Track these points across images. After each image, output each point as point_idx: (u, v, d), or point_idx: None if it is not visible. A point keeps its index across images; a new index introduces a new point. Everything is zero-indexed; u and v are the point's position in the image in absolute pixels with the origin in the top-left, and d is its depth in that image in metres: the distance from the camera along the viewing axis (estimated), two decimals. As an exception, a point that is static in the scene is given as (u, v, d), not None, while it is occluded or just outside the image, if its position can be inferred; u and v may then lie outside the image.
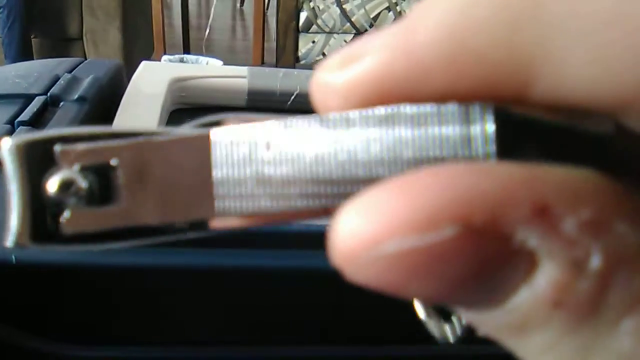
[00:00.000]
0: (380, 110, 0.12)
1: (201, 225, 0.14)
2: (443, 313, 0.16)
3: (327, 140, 0.12)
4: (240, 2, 4.08)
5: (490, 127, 0.12)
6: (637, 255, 0.10)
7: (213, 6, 3.32)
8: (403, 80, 0.12)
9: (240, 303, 0.47)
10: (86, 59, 0.70)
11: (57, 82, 0.60)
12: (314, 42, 2.53)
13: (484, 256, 0.10)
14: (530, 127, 0.12)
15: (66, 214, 0.13)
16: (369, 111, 0.12)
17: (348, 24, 2.49)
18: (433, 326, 0.16)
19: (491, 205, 0.10)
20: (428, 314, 0.16)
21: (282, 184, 0.13)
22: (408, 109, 0.12)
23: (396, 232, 0.10)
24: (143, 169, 0.13)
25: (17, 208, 0.13)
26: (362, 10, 2.47)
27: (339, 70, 0.13)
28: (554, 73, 0.11)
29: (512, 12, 0.11)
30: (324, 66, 0.13)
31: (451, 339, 0.16)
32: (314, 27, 2.51)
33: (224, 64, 1.02)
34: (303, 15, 2.50)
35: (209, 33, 3.20)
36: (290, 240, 0.44)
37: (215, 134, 0.13)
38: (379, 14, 2.49)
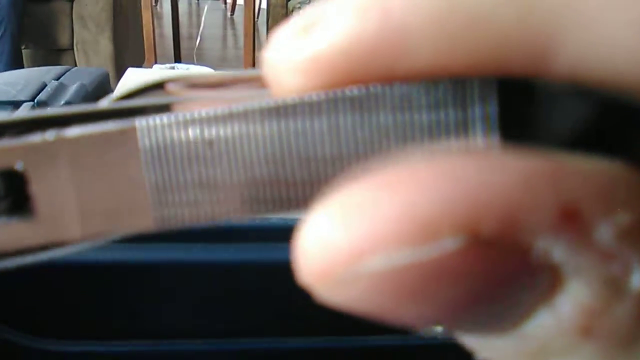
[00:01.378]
0: (353, 92, 0.10)
1: None
2: None
3: (285, 132, 0.10)
4: (231, 11, 4.10)
5: (492, 109, 0.09)
6: None
7: (203, 15, 3.34)
8: (380, 52, 0.09)
9: (225, 296, 0.47)
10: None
11: (44, 89, 0.62)
12: (304, 49, 2.54)
13: (494, 273, 0.08)
14: (545, 104, 0.09)
15: None
16: (338, 93, 0.10)
17: (337, 31, 2.50)
18: None
19: (505, 208, 0.08)
20: None
21: (231, 188, 0.10)
22: (388, 89, 0.10)
23: (383, 243, 0.08)
24: (57, 172, 0.11)
25: None
26: (351, 18, 2.49)
27: (297, 40, 0.10)
28: (582, 39, 0.08)
29: None
30: (278, 35, 0.10)
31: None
32: (304, 35, 2.52)
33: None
34: (293, 24, 2.51)
35: (200, 42, 3.22)
36: (273, 233, 0.45)
37: (142, 127, 0.10)
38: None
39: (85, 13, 2.38)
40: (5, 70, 2.24)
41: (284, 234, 0.45)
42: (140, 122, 0.10)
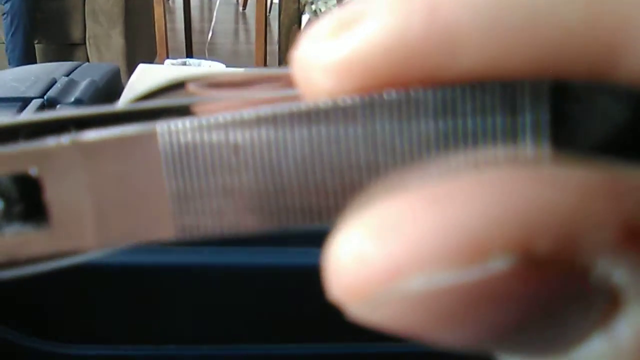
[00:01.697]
0: (392, 96, 0.09)
1: None
2: None
3: (317, 138, 0.09)
4: (243, 6, 4.09)
5: (544, 115, 0.09)
6: None
7: (215, 10, 3.34)
8: (424, 52, 0.08)
9: (232, 301, 0.47)
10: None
11: (54, 85, 0.61)
12: (316, 44, 2.53)
13: (547, 295, 0.08)
14: (605, 109, 0.09)
15: None
16: (375, 97, 0.09)
17: (350, 26, 2.49)
18: None
19: (562, 226, 0.07)
20: None
21: (258, 197, 0.10)
22: (430, 93, 0.09)
23: (424, 263, 0.07)
24: (72, 179, 0.10)
25: None
26: (364, 12, 2.48)
27: (332, 39, 0.09)
28: None
29: None
30: (311, 33, 0.09)
31: None
32: (316, 30, 2.51)
33: (227, 67, 1.03)
34: (305, 18, 2.50)
35: (211, 37, 3.22)
36: (283, 236, 0.44)
37: (164, 131, 0.10)
38: (381, 15, 2.49)
39: (97, 8, 2.39)
40: (18, 65, 2.26)
41: (295, 237, 0.44)
42: (161, 126, 0.10)
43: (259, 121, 0.09)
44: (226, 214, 0.10)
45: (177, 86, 0.13)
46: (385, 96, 0.09)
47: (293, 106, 0.09)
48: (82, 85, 0.62)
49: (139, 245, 0.11)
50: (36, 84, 0.61)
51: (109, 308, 0.47)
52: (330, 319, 0.50)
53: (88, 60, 2.41)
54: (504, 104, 0.09)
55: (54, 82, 0.62)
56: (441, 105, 0.09)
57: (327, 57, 0.09)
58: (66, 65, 0.69)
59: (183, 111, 0.11)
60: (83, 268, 0.47)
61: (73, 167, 0.10)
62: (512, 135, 0.09)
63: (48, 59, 2.42)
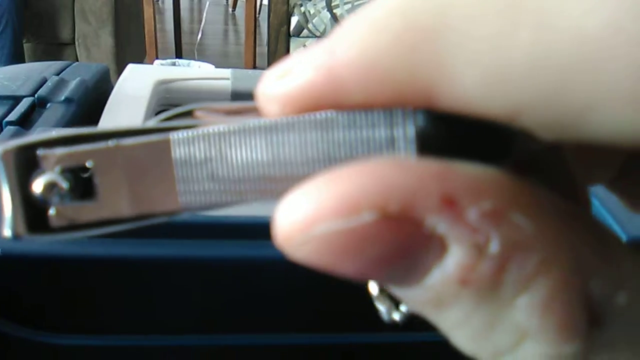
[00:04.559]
0: (315, 116, 0.14)
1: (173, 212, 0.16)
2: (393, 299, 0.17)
3: (271, 143, 0.14)
4: (232, 7, 4.10)
5: (410, 130, 0.13)
6: (529, 242, 0.12)
7: (205, 11, 3.34)
8: (328, 93, 0.13)
9: (217, 292, 0.48)
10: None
11: (45, 84, 0.62)
12: (305, 46, 2.54)
13: (399, 239, 0.12)
14: (449, 128, 0.13)
15: (52, 211, 0.15)
16: (305, 116, 0.14)
17: (338, 28, 2.50)
18: (383, 308, 0.18)
19: (405, 195, 0.12)
20: (379, 299, 0.18)
21: (234, 182, 0.14)
22: (340, 115, 0.14)
23: (324, 216, 0.12)
24: (115, 169, 0.15)
25: (11, 205, 0.15)
26: (353, 15, 2.49)
27: (275, 82, 0.14)
28: (450, 91, 0.12)
29: (411, 39, 0.12)
30: (265, 77, 0.15)
31: (398, 319, 0.18)
32: (305, 32, 2.52)
33: (216, 67, 1.04)
34: (294, 20, 2.51)
35: (201, 37, 3.22)
36: (262, 231, 0.45)
37: (174, 139, 0.15)
38: (369, 18, 2.50)
39: (86, 7, 2.39)
40: (7, 64, 2.25)
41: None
42: (173, 135, 0.15)
43: (233, 132, 0.14)
44: (212, 193, 0.15)
45: (187, 113, 0.17)
46: (311, 116, 0.14)
47: (254, 121, 0.14)
48: (72, 84, 0.63)
49: (160, 219, 0.15)
50: (27, 83, 0.62)
51: (99, 299, 0.48)
52: (315, 309, 0.52)
53: (77, 60, 2.41)
54: (386, 122, 0.13)
55: (44, 81, 0.63)
56: (346, 122, 0.14)
57: (272, 93, 0.14)
58: (56, 64, 0.70)
59: (189, 129, 0.15)
60: (73, 260, 0.48)
61: (115, 161, 0.15)
62: (392, 142, 0.13)
63: (37, 58, 2.41)
